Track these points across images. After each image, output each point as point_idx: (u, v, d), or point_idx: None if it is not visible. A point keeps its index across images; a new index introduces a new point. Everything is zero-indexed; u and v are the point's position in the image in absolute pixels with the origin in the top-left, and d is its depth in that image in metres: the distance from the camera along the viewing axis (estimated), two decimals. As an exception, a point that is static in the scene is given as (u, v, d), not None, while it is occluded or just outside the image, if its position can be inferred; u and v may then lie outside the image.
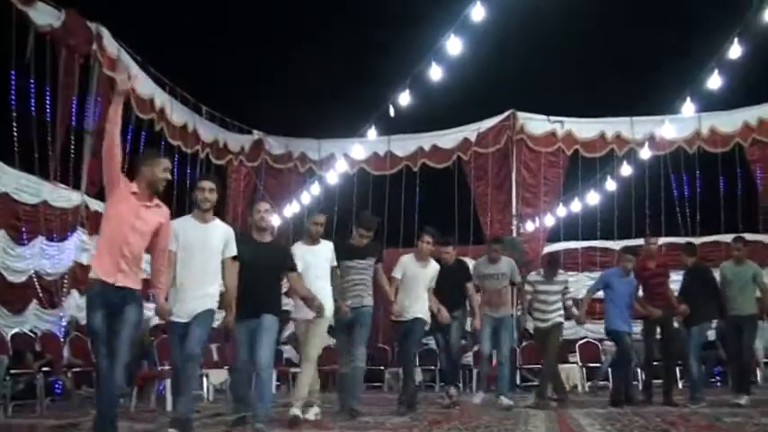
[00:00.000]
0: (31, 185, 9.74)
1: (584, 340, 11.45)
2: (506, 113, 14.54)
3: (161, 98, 12.68)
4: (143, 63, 12.09)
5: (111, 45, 11.18)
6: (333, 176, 14.85)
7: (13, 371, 7.56)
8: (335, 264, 6.33)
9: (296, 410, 5.74)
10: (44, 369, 7.88)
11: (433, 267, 7.21)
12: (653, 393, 7.98)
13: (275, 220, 5.76)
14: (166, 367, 8.10)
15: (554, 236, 14.40)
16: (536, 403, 7.63)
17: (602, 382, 8.43)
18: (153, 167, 4.46)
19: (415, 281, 7.09)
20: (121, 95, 4.40)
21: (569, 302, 8.08)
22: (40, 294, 9.96)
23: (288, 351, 11.32)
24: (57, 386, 8.70)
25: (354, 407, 6.39)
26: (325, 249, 6.32)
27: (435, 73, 11.37)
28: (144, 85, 12.18)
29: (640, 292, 8.03)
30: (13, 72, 9.52)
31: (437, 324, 7.37)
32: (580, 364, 10.92)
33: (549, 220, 14.29)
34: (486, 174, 14.58)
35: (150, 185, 4.46)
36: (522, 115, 14.52)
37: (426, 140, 15.10)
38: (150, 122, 12.42)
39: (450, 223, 14.12)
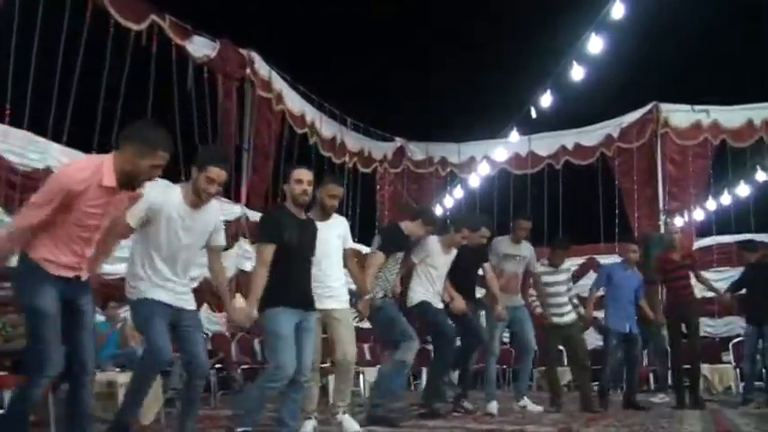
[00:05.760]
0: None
1: (739, 339, 11.03)
2: (649, 106, 14.22)
3: (311, 113, 13.47)
4: (292, 82, 12.91)
5: (262, 68, 12.09)
6: (474, 179, 15.12)
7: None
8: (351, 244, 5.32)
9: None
10: (216, 366, 8.72)
11: (453, 253, 6.50)
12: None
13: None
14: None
15: (705, 230, 13.90)
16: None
17: (757, 383, 8.09)
18: None
19: (440, 268, 6.43)
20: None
21: (574, 300, 7.38)
22: (209, 299, 10.93)
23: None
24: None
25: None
26: (338, 224, 5.26)
27: (577, 73, 11.34)
28: (295, 103, 13.01)
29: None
30: (175, 101, 10.48)
31: (450, 315, 6.52)
32: (734, 364, 10.53)
33: (699, 215, 13.83)
34: (631, 169, 14.30)
35: None
36: (665, 107, 14.12)
37: (568, 138, 15.02)
38: (304, 137, 13.22)
39: (594, 220, 14.05)
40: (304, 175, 4.66)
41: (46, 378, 3.30)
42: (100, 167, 3.35)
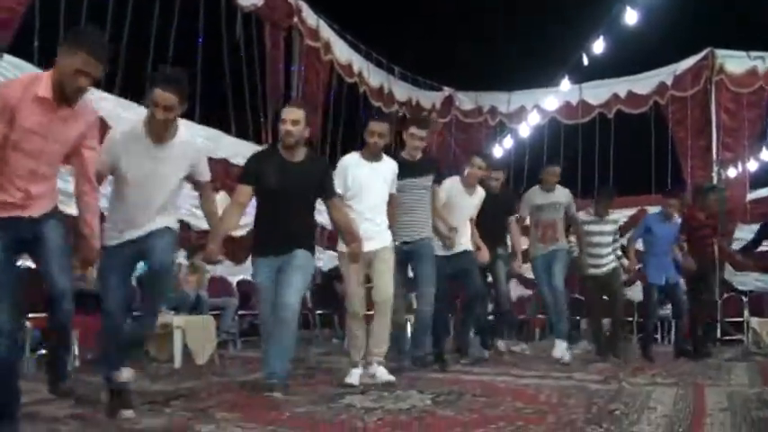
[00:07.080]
0: (246, 151, 10.83)
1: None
2: (704, 52, 13.70)
3: (359, 62, 13.43)
4: (339, 30, 12.86)
5: (310, 17, 12.06)
6: (524, 129, 14.95)
7: (240, 312, 8.68)
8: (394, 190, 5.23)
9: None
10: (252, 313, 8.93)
11: (479, 195, 6.34)
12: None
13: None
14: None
15: (760, 181, 13.48)
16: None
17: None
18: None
19: (459, 209, 6.17)
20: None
21: (618, 252, 7.43)
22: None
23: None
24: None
25: (418, 355, 5.67)
26: (385, 168, 5.17)
27: (630, 17, 11.02)
28: (342, 52, 12.97)
29: None
30: (224, 51, 10.56)
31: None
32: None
33: (753, 165, 13.38)
34: (684, 118, 13.86)
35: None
36: (720, 53, 13.58)
37: (620, 86, 14.61)
38: (352, 86, 13.21)
39: (646, 171, 13.79)
40: (287, 113, 4.44)
41: None
42: (37, 80, 3.07)
